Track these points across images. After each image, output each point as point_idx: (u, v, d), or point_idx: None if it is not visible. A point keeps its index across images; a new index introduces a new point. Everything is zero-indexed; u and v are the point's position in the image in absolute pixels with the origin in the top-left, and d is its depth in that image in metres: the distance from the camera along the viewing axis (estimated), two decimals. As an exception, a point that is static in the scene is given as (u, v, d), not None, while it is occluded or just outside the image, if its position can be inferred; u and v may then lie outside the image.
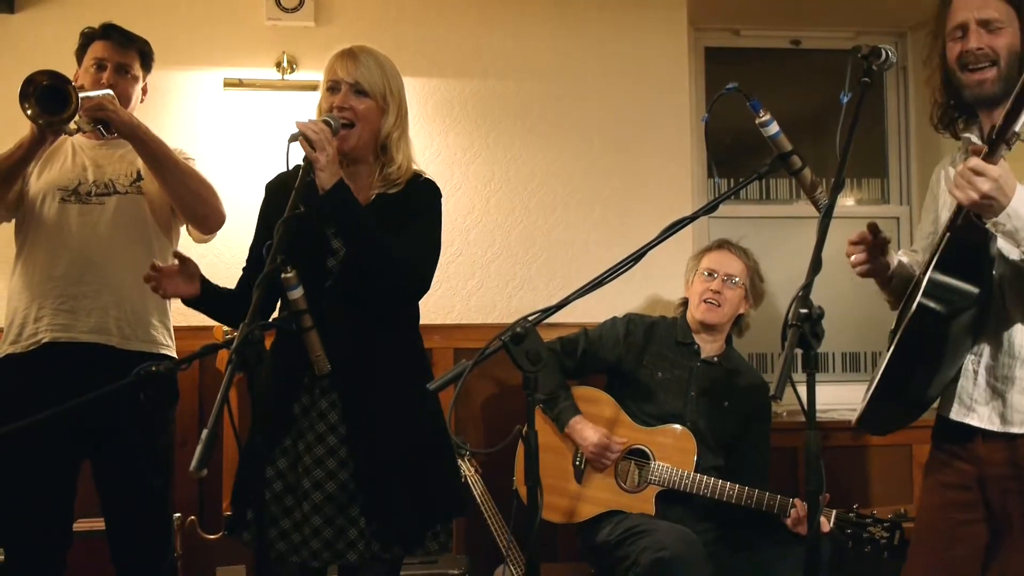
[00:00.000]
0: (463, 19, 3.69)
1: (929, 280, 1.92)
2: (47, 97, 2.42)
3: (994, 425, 2.03)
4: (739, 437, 3.03)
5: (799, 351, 1.63)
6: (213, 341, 2.99)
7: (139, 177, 2.72)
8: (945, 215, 2.04)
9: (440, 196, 2.29)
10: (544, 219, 3.69)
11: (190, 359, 2.02)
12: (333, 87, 2.20)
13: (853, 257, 2.19)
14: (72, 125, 2.50)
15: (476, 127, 3.68)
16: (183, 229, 2.83)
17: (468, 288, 3.65)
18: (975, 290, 1.90)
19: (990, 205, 1.81)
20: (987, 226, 1.87)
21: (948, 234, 1.97)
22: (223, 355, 3.15)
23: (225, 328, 3.05)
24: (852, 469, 3.65)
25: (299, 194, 1.96)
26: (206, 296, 2.23)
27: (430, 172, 2.33)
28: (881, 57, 1.95)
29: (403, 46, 3.57)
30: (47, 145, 2.59)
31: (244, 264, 2.34)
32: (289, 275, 1.94)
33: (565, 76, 3.72)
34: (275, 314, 2.22)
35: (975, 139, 2.09)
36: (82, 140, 2.74)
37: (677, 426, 2.98)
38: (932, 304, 1.90)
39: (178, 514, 3.01)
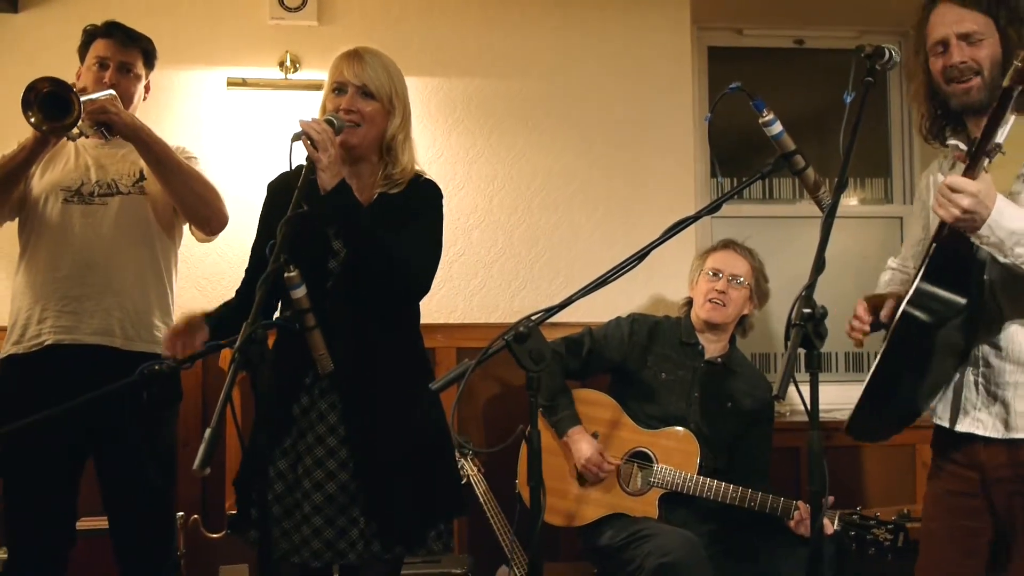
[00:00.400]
0: (466, 18, 3.69)
1: (916, 289, 1.93)
2: (49, 104, 2.41)
3: (998, 432, 2.03)
4: (741, 437, 3.02)
5: (802, 351, 1.63)
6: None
7: (142, 177, 2.72)
8: (934, 221, 2.05)
9: (441, 196, 2.29)
10: (547, 218, 3.69)
11: (193, 358, 2.02)
12: (339, 89, 2.19)
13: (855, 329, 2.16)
14: (75, 130, 2.49)
15: (479, 126, 3.68)
16: (186, 229, 2.83)
17: (471, 287, 3.65)
18: (961, 300, 1.91)
19: (972, 220, 1.83)
20: (972, 239, 1.88)
21: (935, 244, 1.97)
22: (226, 354, 3.16)
23: (228, 327, 3.05)
24: (855, 469, 3.64)
25: (302, 193, 1.96)
26: (215, 329, 2.20)
27: (433, 171, 2.33)
28: (884, 57, 1.95)
29: (406, 45, 3.57)
30: (50, 147, 2.59)
31: (246, 264, 2.34)
32: (292, 274, 1.93)
33: (568, 75, 3.71)
34: (276, 314, 2.22)
35: (962, 145, 2.11)
36: (85, 139, 2.73)
37: (680, 428, 2.97)
38: (917, 313, 1.92)
39: (181, 513, 3.01)
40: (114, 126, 2.57)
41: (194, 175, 2.68)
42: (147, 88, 2.84)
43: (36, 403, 2.10)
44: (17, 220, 2.72)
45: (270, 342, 1.84)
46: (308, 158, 2.02)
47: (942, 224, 1.93)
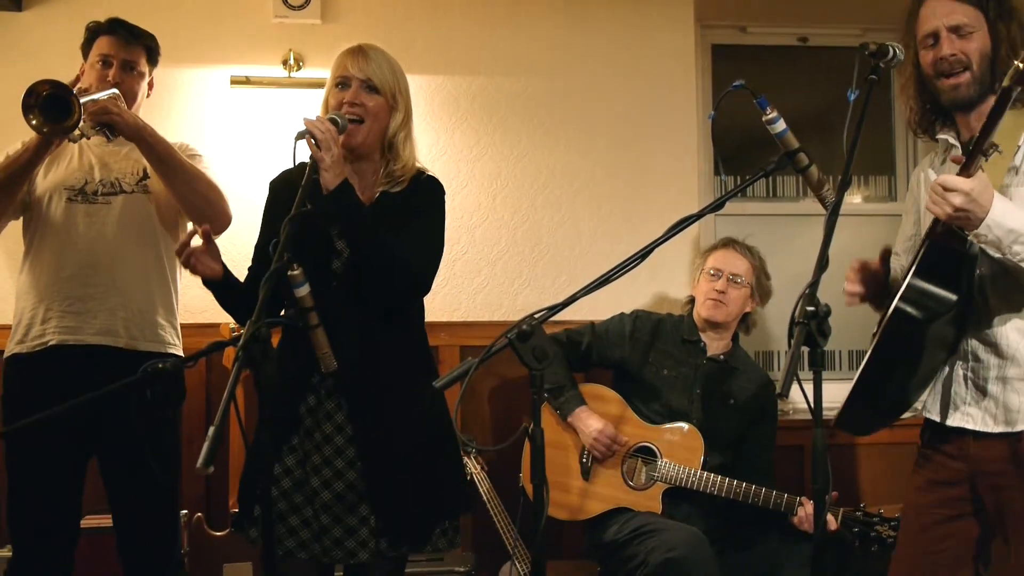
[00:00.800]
0: (469, 16, 3.68)
1: (908, 285, 1.93)
2: (50, 106, 2.41)
3: (988, 427, 2.05)
4: (743, 435, 3.03)
5: (806, 349, 1.63)
6: (220, 338, 3.00)
7: (145, 176, 2.72)
8: (926, 218, 2.05)
9: (443, 194, 2.29)
10: (550, 216, 3.69)
11: (197, 356, 2.01)
12: (343, 83, 2.19)
13: (848, 287, 2.18)
14: (76, 132, 2.49)
15: (482, 124, 3.68)
16: (190, 227, 2.83)
17: (474, 285, 3.65)
18: (953, 297, 1.92)
19: (966, 217, 1.84)
20: (968, 237, 1.88)
21: (927, 240, 1.98)
22: (230, 352, 3.17)
23: (232, 325, 3.06)
24: (858, 467, 3.64)
25: (305, 192, 1.96)
26: (226, 280, 2.20)
27: (436, 169, 2.33)
28: (888, 54, 1.96)
29: (409, 43, 3.57)
30: (53, 148, 2.59)
31: (250, 263, 2.34)
32: (295, 272, 1.94)
33: (572, 73, 3.71)
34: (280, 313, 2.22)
35: (952, 140, 2.13)
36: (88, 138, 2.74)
37: (684, 424, 2.98)
38: (909, 308, 1.92)
39: (185, 511, 3.02)
40: (116, 127, 2.57)
41: (197, 174, 2.67)
42: (150, 85, 2.85)
43: (40, 403, 2.10)
44: (21, 219, 2.73)
45: (275, 341, 1.84)
46: (311, 157, 2.02)
47: (936, 221, 1.94)
